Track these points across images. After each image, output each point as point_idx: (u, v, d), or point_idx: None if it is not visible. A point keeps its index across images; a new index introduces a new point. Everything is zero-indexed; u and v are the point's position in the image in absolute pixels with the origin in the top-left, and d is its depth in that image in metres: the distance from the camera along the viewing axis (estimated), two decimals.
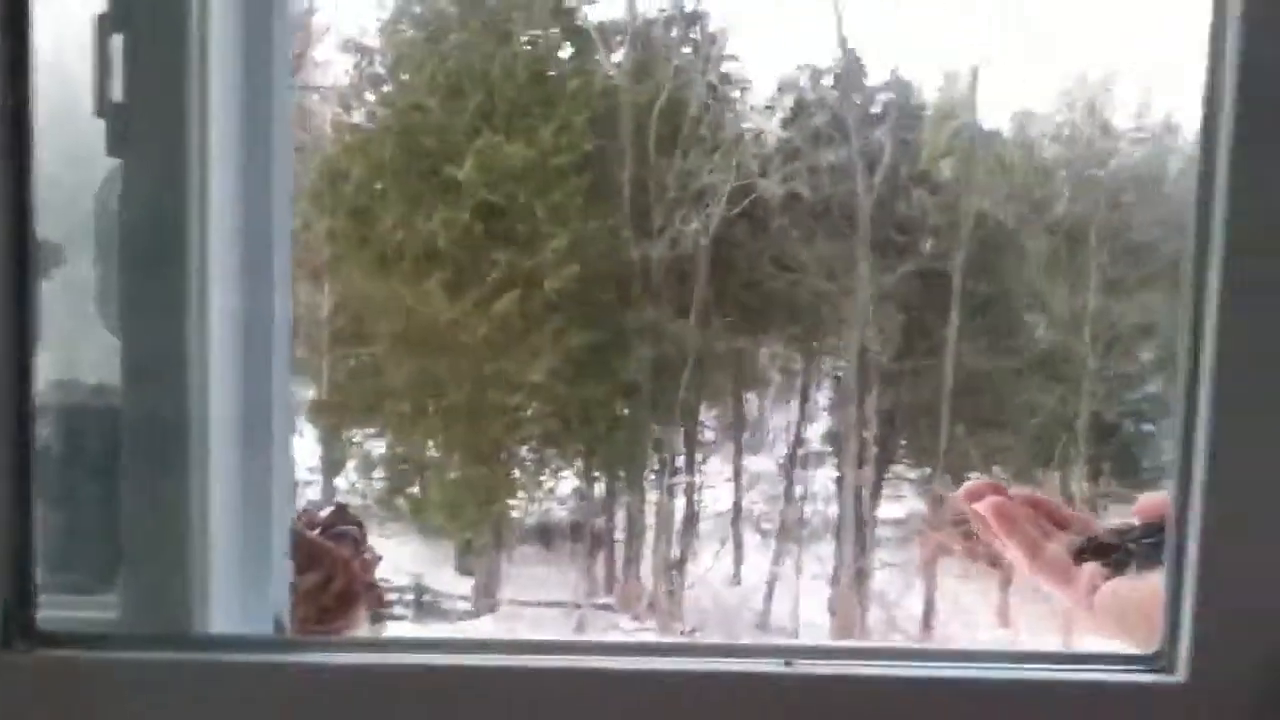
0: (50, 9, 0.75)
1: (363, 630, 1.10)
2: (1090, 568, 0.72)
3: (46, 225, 0.84)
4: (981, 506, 0.76)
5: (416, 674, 0.70)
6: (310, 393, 13.76)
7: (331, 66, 13.90)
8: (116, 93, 0.74)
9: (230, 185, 0.78)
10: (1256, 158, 0.60)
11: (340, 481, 13.28)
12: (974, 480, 0.79)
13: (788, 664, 0.64)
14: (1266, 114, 0.60)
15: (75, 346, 0.87)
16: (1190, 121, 12.26)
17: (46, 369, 0.91)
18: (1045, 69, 13.40)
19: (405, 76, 13.02)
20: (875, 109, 13.06)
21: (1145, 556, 0.71)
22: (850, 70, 12.97)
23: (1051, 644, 9.45)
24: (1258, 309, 0.61)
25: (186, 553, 0.76)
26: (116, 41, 0.74)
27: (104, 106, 0.74)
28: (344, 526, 1.11)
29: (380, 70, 13.42)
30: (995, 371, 12.14)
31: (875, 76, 13.15)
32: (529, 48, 12.65)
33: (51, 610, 0.79)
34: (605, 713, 0.67)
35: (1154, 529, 0.72)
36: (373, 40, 13.35)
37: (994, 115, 13.81)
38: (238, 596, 0.81)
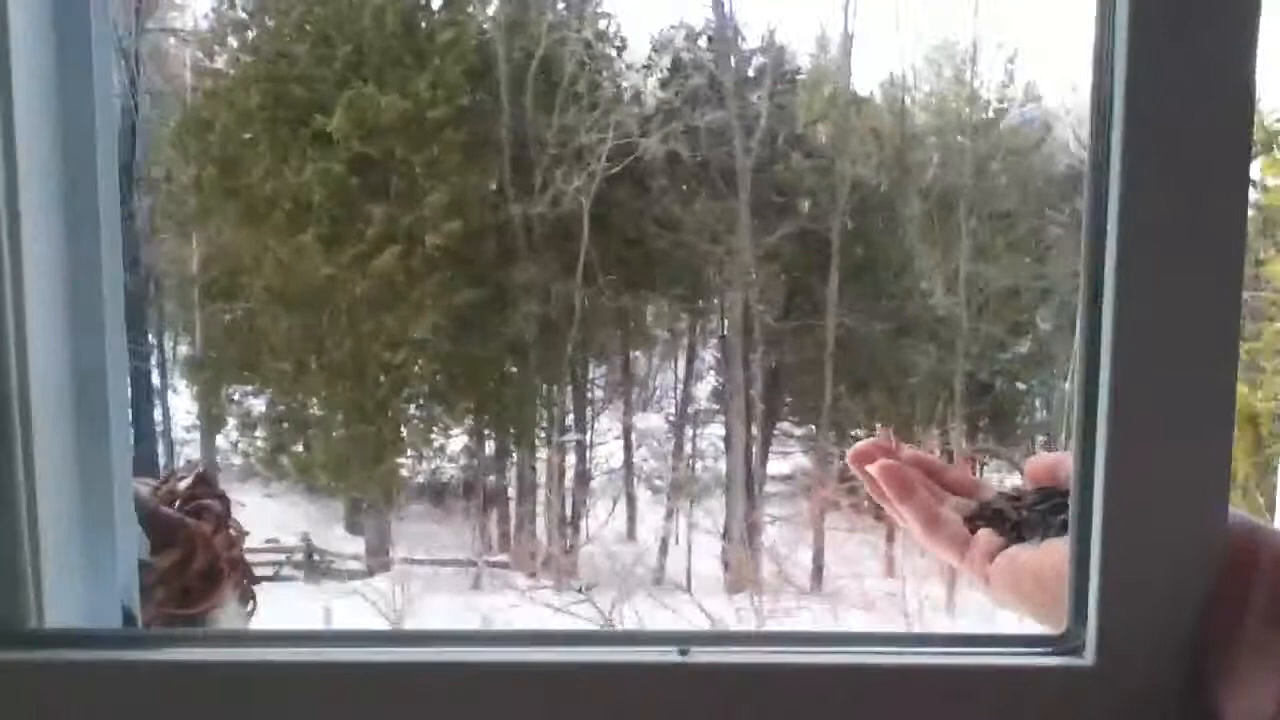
0: None
1: (231, 611, 1.02)
2: (984, 535, 0.70)
3: None
4: (874, 470, 0.72)
5: (280, 670, 0.65)
6: (185, 348, 13.26)
7: (190, 8, 13.28)
8: None
9: (42, 126, 0.69)
10: (1148, 122, 0.58)
11: (221, 440, 12.87)
12: (863, 442, 0.74)
13: (683, 653, 0.60)
14: (1152, 84, 0.58)
15: None
16: (1051, 90, 12.73)
17: None
18: (914, 37, 13.71)
19: (270, 22, 12.51)
20: (751, 72, 13.16)
21: (1040, 524, 0.69)
22: (725, 32, 13.02)
23: (936, 593, 9.82)
24: (1154, 280, 0.59)
25: (13, 535, 0.68)
26: None
27: None
28: (205, 500, 1.03)
29: (243, 14, 12.85)
30: (874, 332, 12.44)
31: (750, 39, 13.26)
32: None
33: None
34: (494, 708, 0.62)
35: (1047, 494, 0.70)
36: None
37: (866, 82, 14.10)
38: (78, 583, 0.74)
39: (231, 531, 1.04)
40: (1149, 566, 0.59)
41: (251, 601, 1.07)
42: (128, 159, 12.43)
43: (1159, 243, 0.58)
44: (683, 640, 0.61)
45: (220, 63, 12.85)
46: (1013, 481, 0.80)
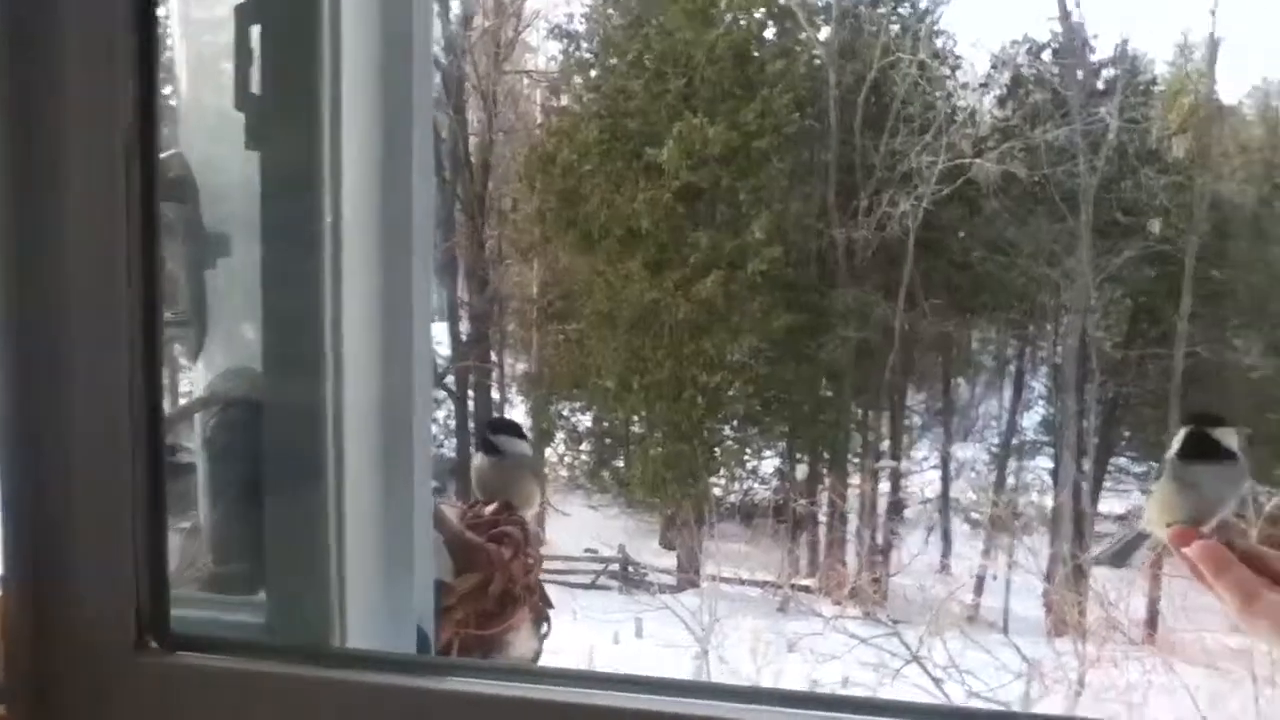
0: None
1: (525, 633, 1.06)
2: None
3: (214, 217, 0.84)
4: (1190, 552, 0.72)
5: (563, 710, 0.64)
6: (522, 366, 14.26)
7: (542, 50, 14.30)
8: (255, 85, 0.71)
9: (367, 178, 0.74)
10: None
11: (550, 453, 13.67)
12: (1178, 526, 0.75)
13: None
14: None
15: (244, 334, 0.86)
16: None
17: (218, 357, 0.90)
18: None
19: (612, 61, 13.18)
20: (1100, 85, 12.39)
21: None
22: (1073, 44, 12.31)
23: None
24: None
25: (323, 559, 0.74)
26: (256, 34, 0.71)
27: (243, 99, 0.71)
28: (507, 527, 1.07)
29: (588, 55, 13.65)
30: (1230, 363, 11.25)
31: (1101, 50, 12.49)
32: (734, 29, 12.56)
33: (212, 612, 0.78)
34: None
35: None
36: (580, 26, 13.66)
37: (1232, 90, 12.88)
38: (380, 602, 0.78)
39: (529, 559, 1.07)
40: None
41: (546, 625, 1.10)
42: (480, 191, 13.54)
43: None
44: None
45: (565, 100, 13.74)
46: None
